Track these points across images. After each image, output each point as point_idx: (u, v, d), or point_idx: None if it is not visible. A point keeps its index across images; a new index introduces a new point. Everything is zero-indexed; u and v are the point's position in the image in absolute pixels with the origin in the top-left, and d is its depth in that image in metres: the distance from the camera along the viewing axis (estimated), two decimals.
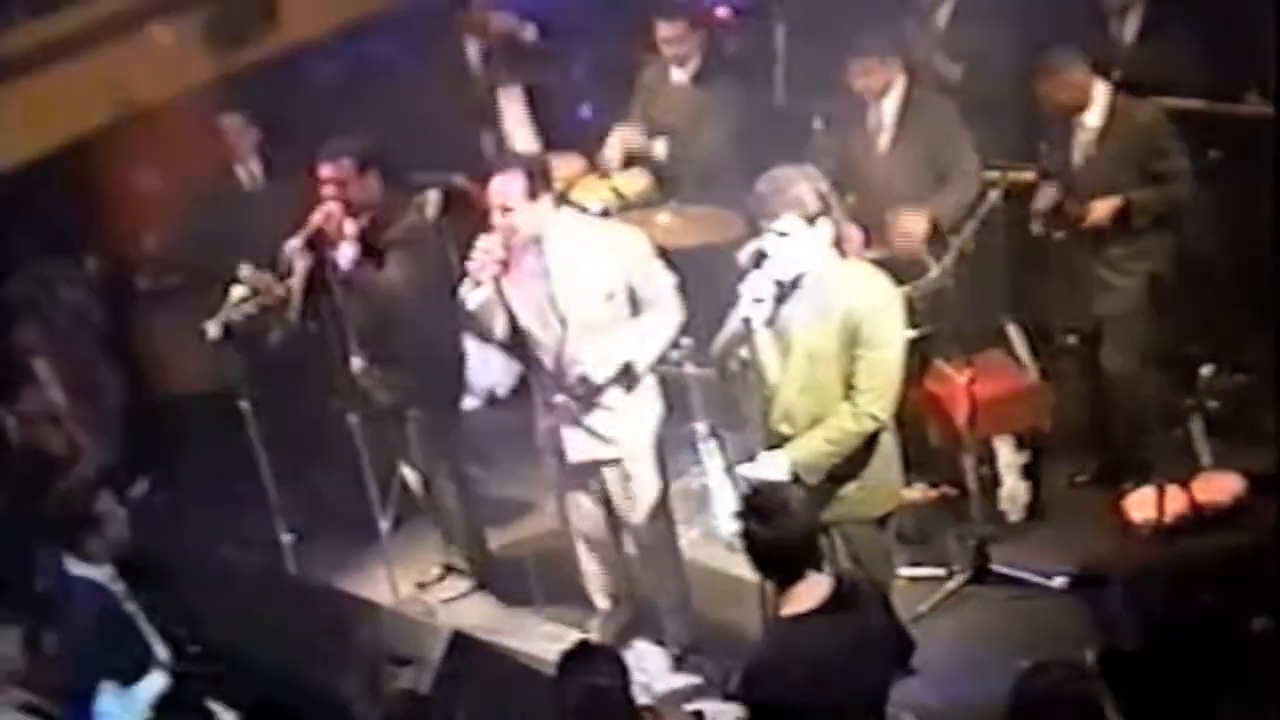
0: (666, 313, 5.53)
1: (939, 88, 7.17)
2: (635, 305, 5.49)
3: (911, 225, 6.41)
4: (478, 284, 5.39)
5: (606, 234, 5.62)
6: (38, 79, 6.50)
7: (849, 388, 4.86)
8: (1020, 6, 6.73)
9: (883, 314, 4.85)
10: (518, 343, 5.61)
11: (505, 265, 5.41)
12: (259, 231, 6.60)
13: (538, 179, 5.41)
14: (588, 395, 5.51)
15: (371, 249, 6.04)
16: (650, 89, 7.51)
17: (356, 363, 6.09)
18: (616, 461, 5.67)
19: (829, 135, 6.83)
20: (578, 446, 5.64)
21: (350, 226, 6.01)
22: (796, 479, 4.83)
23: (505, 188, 5.37)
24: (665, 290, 5.51)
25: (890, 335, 4.86)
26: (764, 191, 4.83)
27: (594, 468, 5.71)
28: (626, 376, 5.52)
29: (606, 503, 5.81)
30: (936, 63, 7.33)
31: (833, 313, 4.82)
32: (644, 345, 5.50)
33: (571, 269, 5.43)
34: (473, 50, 8.03)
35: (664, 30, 7.28)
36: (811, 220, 4.77)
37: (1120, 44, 6.86)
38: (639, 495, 5.75)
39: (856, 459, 4.99)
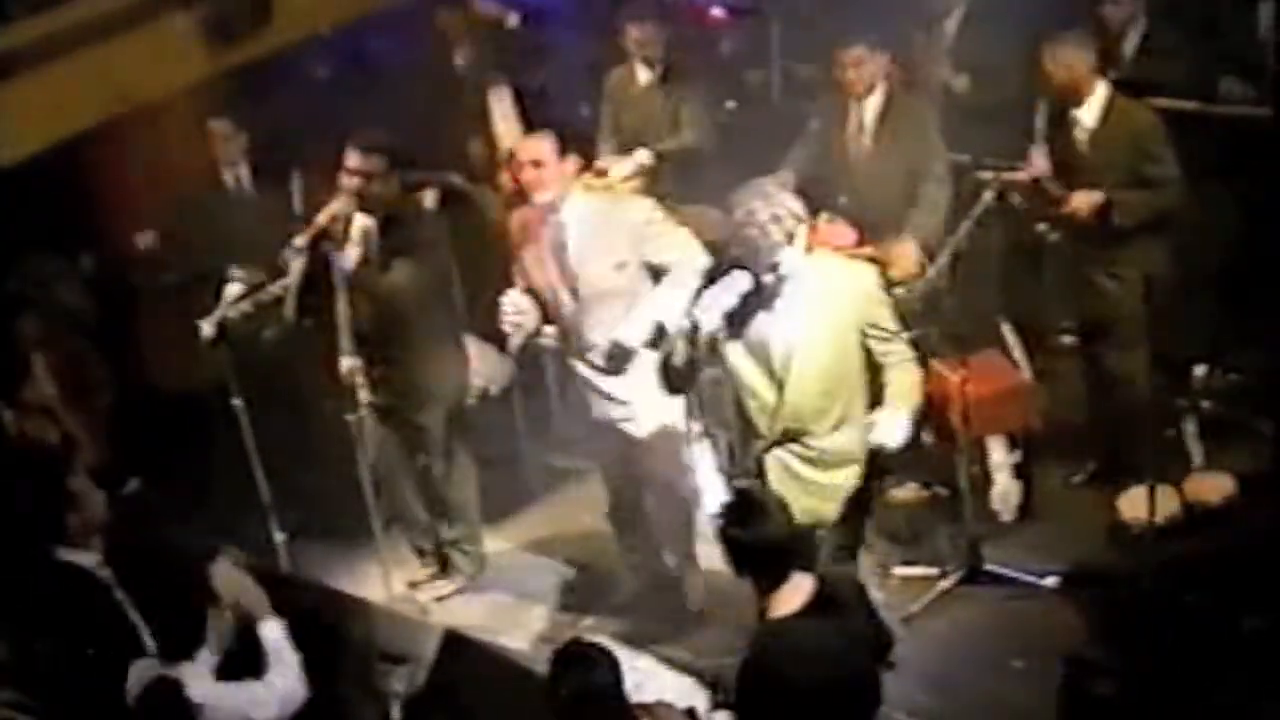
0: (687, 266, 5.61)
1: (945, 97, 7.21)
2: (655, 272, 5.64)
3: (905, 256, 6.44)
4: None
5: (616, 205, 5.79)
6: (35, 76, 6.49)
7: (885, 355, 5.15)
8: (1025, 18, 6.74)
9: (871, 285, 5.09)
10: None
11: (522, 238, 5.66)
12: (245, 235, 6.61)
13: (568, 140, 5.60)
14: (620, 361, 5.66)
15: (374, 250, 6.05)
16: (618, 92, 7.53)
17: (345, 362, 6.09)
18: (632, 423, 5.83)
19: (814, 135, 6.84)
20: (597, 403, 5.85)
21: (360, 222, 6.01)
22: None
23: (537, 144, 5.58)
24: (680, 245, 5.63)
25: (883, 296, 5.15)
26: (745, 197, 4.95)
27: (612, 426, 5.88)
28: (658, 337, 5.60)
29: (623, 463, 6.00)
30: (943, 73, 7.36)
31: (840, 307, 5.01)
32: (670, 306, 5.55)
33: (584, 240, 5.61)
34: (463, 52, 8.03)
35: (635, 33, 7.31)
36: (791, 236, 4.90)
37: (1121, 59, 6.87)
38: (654, 456, 5.89)
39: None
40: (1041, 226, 6.32)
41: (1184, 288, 6.44)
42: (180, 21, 6.95)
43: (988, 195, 6.16)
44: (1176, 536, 5.97)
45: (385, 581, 6.48)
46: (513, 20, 8.34)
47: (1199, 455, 6.48)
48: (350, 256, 6.03)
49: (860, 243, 6.43)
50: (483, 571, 6.70)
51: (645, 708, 4.62)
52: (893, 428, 5.16)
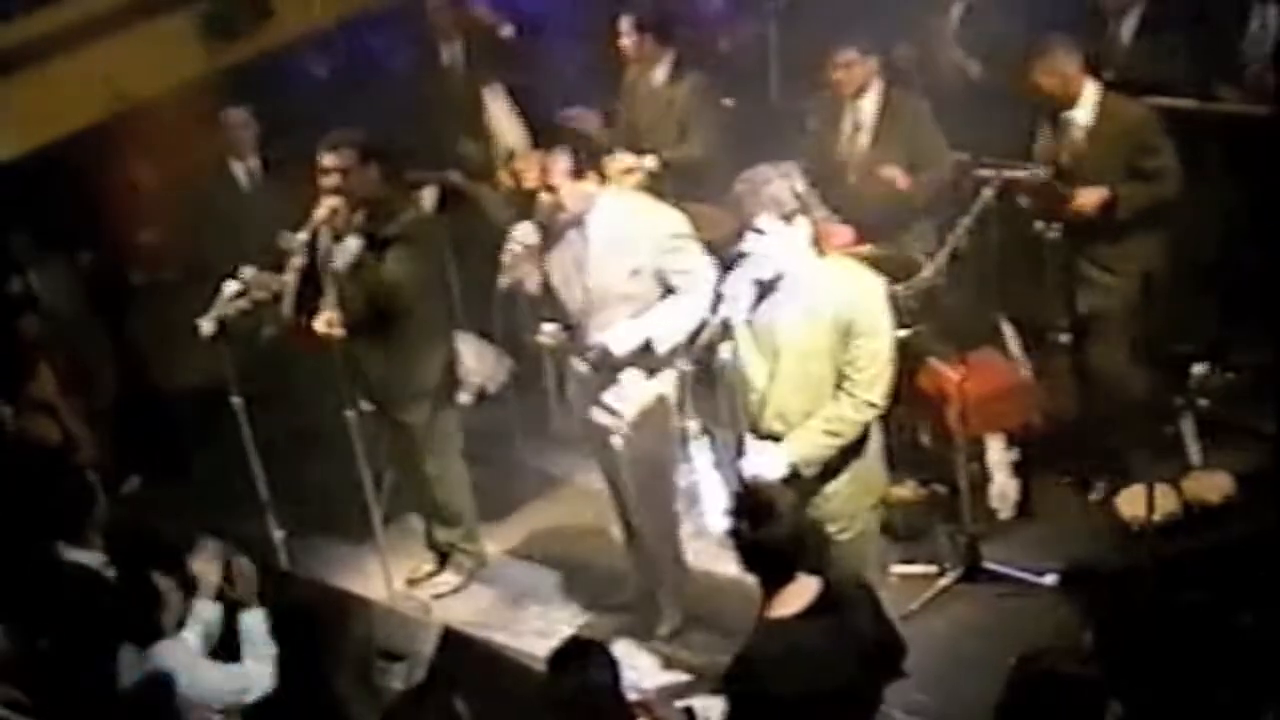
0: (694, 298, 5.49)
1: (961, 82, 7.21)
2: (667, 287, 5.55)
3: (891, 178, 6.44)
4: (510, 269, 5.56)
5: (645, 212, 5.67)
6: (35, 73, 6.50)
7: (842, 379, 4.88)
8: (1025, 3, 6.75)
9: (871, 304, 4.89)
10: (548, 298, 5.74)
11: (546, 244, 5.58)
12: (254, 228, 6.60)
13: (583, 157, 5.48)
14: (603, 366, 5.62)
15: (370, 243, 6.05)
16: (631, 91, 7.54)
17: (325, 315, 6.07)
18: (621, 432, 5.78)
19: (812, 134, 6.85)
20: (588, 406, 5.81)
21: (352, 219, 6.01)
22: (794, 474, 4.86)
23: (550, 166, 5.46)
24: (697, 275, 5.50)
25: (881, 323, 4.90)
26: (741, 191, 4.85)
27: (601, 431, 5.84)
28: (646, 354, 5.59)
29: (610, 471, 5.97)
30: (956, 58, 7.36)
31: (821, 311, 4.84)
32: (665, 326, 5.54)
33: (607, 242, 5.53)
34: (449, 50, 8.03)
35: (622, 24, 7.33)
36: (788, 219, 4.79)
37: (1118, 42, 6.88)
38: (640, 470, 5.87)
39: (848, 453, 5.00)
40: (1039, 224, 6.31)
41: (1183, 285, 6.44)
42: (179, 19, 6.96)
43: (987, 193, 6.16)
44: (1175, 535, 5.98)
45: (385, 578, 6.49)
46: (507, 30, 8.35)
47: (1197, 454, 6.48)
48: (348, 251, 6.03)
49: (858, 241, 6.43)
50: (482, 569, 6.70)
51: (643, 705, 4.63)
52: (764, 460, 4.88)
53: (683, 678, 5.88)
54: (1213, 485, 6.17)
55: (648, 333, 5.55)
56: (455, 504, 6.55)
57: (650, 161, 7.35)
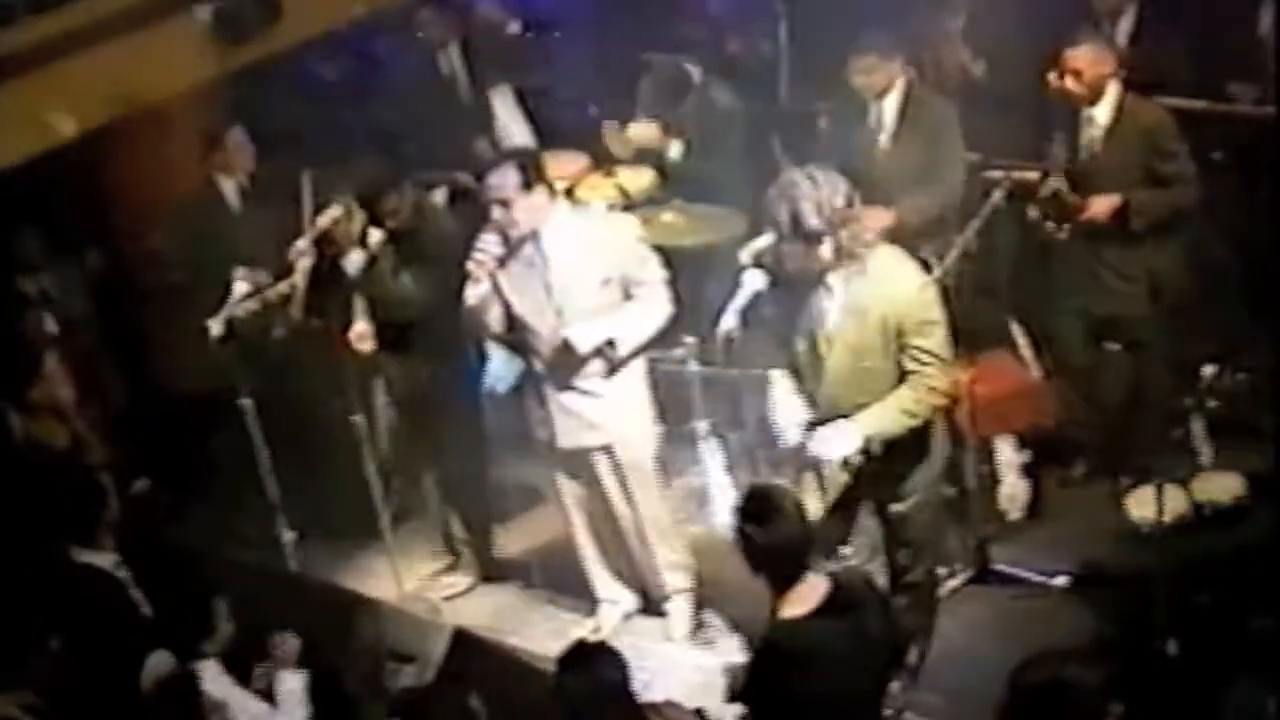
0: (653, 299, 5.61)
1: (965, 83, 7.19)
2: (626, 291, 5.58)
3: (872, 220, 6.42)
4: (477, 280, 5.48)
5: (601, 223, 5.76)
6: (40, 76, 6.49)
7: (906, 373, 4.94)
8: (1025, 7, 6.75)
9: (918, 301, 4.93)
10: (514, 334, 5.70)
11: (503, 261, 5.49)
12: (246, 245, 6.60)
13: (531, 172, 5.47)
14: (570, 366, 5.57)
15: (389, 255, 6.05)
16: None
17: (358, 326, 6.13)
18: (606, 448, 5.75)
19: (831, 134, 6.83)
20: (568, 432, 5.73)
21: (375, 236, 6.02)
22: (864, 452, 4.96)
23: (499, 181, 5.45)
24: (654, 280, 5.60)
25: (931, 316, 4.95)
26: (774, 197, 4.86)
27: (584, 453, 5.79)
28: (610, 353, 5.57)
29: (599, 487, 5.89)
30: (963, 58, 7.35)
31: (868, 310, 4.89)
32: (627, 325, 5.57)
33: (568, 259, 5.52)
34: (446, 55, 8.02)
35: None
36: (833, 220, 4.80)
37: (1113, 46, 6.86)
38: (631, 482, 5.82)
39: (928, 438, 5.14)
40: (1049, 225, 6.30)
41: (1193, 287, 6.43)
42: (187, 22, 6.95)
43: (997, 195, 6.14)
44: (1185, 536, 5.96)
45: (395, 580, 6.49)
46: (514, 27, 8.34)
47: (1207, 455, 6.47)
48: (355, 261, 6.04)
49: None
50: (493, 570, 6.70)
51: (654, 707, 4.62)
52: (838, 438, 4.93)
53: (695, 679, 5.87)
54: (1223, 486, 6.14)
55: (611, 332, 5.54)
56: (470, 504, 6.55)
57: (676, 148, 7.31)
